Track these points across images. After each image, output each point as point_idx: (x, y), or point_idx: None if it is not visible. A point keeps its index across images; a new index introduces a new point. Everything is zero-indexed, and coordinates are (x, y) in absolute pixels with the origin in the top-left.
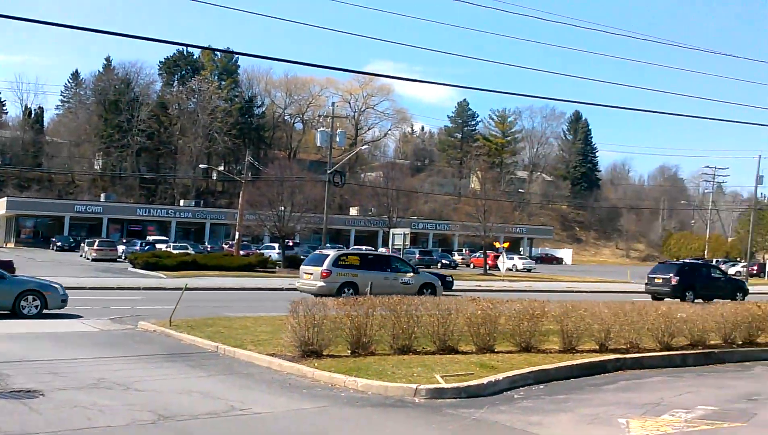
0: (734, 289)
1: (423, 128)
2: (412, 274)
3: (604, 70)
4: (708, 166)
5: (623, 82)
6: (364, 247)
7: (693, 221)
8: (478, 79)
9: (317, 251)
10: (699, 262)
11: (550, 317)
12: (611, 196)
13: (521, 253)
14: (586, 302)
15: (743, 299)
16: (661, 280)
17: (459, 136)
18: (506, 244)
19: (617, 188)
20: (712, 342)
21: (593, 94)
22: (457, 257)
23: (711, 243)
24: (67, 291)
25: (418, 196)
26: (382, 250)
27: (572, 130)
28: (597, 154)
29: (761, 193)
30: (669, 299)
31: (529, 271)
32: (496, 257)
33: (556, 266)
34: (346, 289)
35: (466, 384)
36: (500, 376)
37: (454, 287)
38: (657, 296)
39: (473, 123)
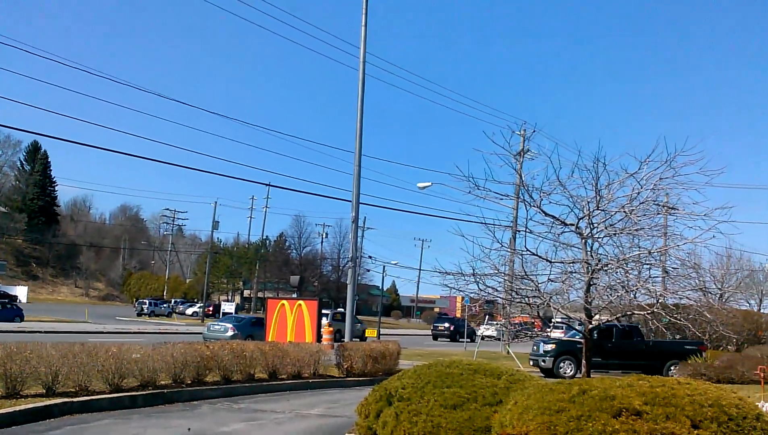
0: None
1: None
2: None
3: (64, 101)
4: (168, 209)
5: (84, 118)
6: None
7: (153, 262)
8: None
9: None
10: None
11: None
12: (71, 233)
13: None
14: (33, 344)
15: None
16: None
17: None
18: None
19: (78, 225)
20: (163, 382)
21: (53, 126)
22: None
23: (170, 283)
24: None
25: None
26: None
27: (30, 161)
28: (57, 187)
29: (217, 238)
30: None
31: None
32: None
33: None
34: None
35: None
36: None
37: None
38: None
39: None
